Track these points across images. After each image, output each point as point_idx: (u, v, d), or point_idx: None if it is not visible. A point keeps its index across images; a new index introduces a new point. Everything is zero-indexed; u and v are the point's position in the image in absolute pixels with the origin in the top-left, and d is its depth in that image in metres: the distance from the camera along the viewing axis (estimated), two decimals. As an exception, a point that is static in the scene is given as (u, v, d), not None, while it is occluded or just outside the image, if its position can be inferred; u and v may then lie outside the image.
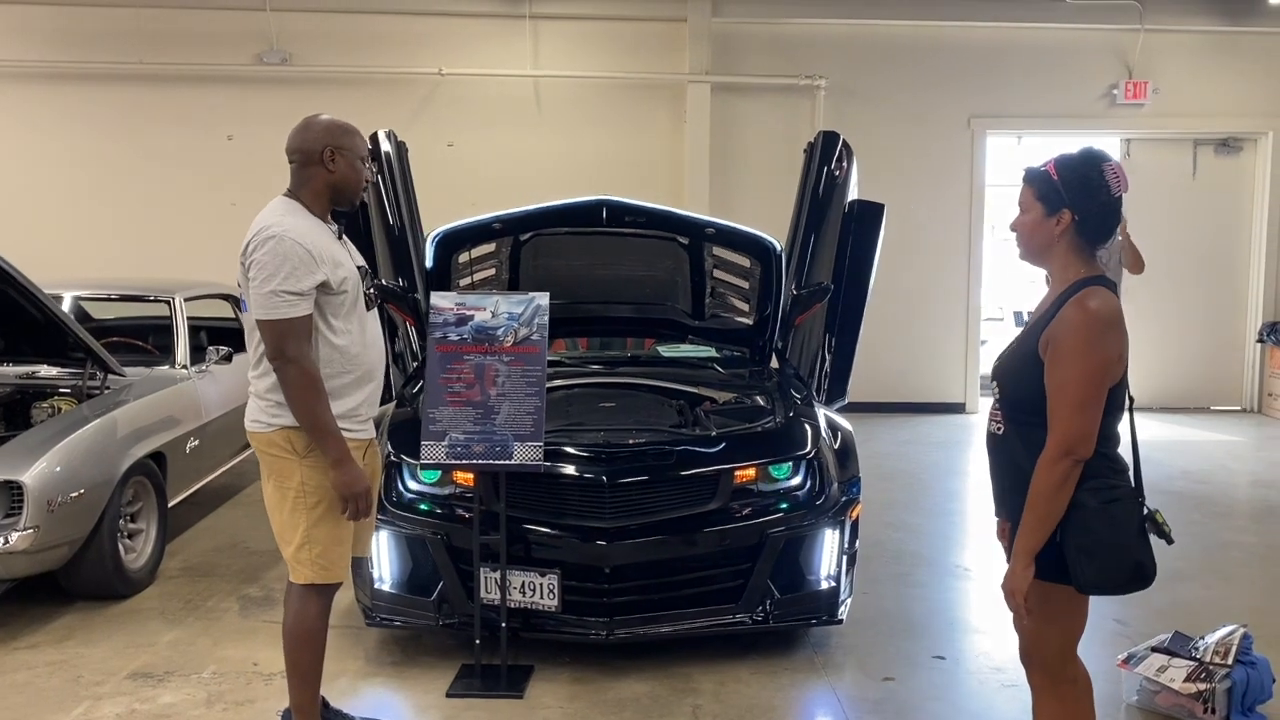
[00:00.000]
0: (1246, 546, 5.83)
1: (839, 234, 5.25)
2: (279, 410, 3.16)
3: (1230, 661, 3.64)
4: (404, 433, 4.19)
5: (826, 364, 5.32)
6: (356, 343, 3.25)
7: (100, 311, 6.81)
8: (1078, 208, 2.56)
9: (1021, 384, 2.61)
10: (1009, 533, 2.68)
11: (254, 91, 9.63)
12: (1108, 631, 4.48)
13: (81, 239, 9.43)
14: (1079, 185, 2.56)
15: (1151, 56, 9.96)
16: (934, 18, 9.79)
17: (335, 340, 3.19)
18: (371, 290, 3.39)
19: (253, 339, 3.22)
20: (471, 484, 3.97)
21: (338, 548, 3.25)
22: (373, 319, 3.38)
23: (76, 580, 4.68)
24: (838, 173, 5.43)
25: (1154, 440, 9.13)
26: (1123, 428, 2.62)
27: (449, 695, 3.83)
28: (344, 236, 3.36)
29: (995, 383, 2.73)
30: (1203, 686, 3.58)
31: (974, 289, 10.13)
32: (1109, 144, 10.59)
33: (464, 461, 3.81)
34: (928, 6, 9.77)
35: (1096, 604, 4.46)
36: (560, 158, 9.56)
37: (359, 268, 3.33)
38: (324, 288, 3.13)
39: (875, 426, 9.36)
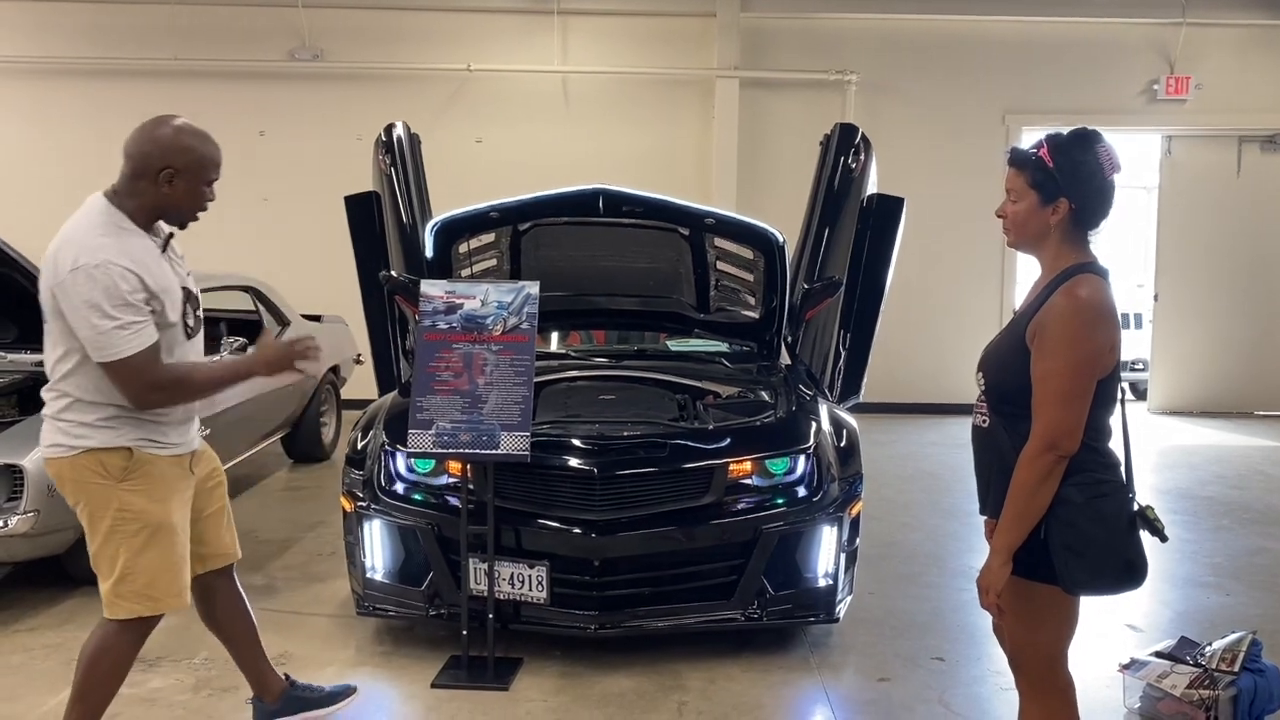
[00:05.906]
0: (1274, 553, 5.63)
1: (855, 228, 5.14)
2: (83, 431, 2.79)
3: (1237, 669, 3.49)
4: (399, 422, 4.17)
5: (841, 361, 5.21)
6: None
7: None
8: (1075, 196, 2.42)
9: (1007, 374, 2.49)
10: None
11: (286, 87, 9.74)
12: (1120, 636, 4.35)
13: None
14: (1075, 171, 2.41)
15: (1194, 51, 9.71)
16: (968, 12, 9.62)
17: None
18: (191, 321, 2.95)
19: (52, 352, 2.82)
20: (460, 474, 3.94)
21: (167, 574, 2.87)
22: (194, 347, 2.98)
23: (80, 565, 4.68)
24: (854, 165, 5.31)
25: (1192, 445, 8.90)
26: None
27: (434, 685, 3.79)
28: (169, 249, 2.93)
29: (980, 373, 2.62)
30: (1206, 694, 3.43)
31: (1008, 288, 9.94)
32: (1149, 141, 10.36)
33: (450, 451, 3.78)
34: (961, 0, 9.59)
35: (1110, 608, 4.40)
36: (588, 153, 9.53)
37: (183, 289, 2.92)
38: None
39: (904, 427, 9.23)
